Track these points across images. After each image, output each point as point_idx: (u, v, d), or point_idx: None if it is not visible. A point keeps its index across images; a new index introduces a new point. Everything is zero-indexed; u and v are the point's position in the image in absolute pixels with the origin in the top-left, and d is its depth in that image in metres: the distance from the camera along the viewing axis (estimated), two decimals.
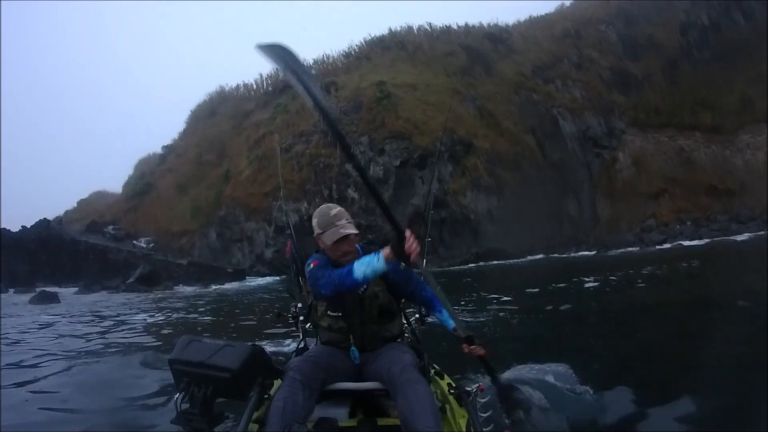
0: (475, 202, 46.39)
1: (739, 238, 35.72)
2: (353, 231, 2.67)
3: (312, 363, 2.47)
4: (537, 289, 14.87)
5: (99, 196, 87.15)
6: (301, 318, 3.31)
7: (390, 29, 71.74)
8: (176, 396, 2.05)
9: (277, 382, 2.54)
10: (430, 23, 72.30)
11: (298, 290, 3.49)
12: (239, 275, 40.88)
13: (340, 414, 2.52)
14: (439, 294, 2.49)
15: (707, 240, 37.72)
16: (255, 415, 2.28)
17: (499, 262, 40.39)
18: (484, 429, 2.35)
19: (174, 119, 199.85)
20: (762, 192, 45.36)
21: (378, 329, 2.79)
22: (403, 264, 2.55)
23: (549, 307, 10.81)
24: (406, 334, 3.21)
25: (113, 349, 6.58)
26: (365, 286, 2.69)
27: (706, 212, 48.13)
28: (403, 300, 3.03)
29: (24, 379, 4.92)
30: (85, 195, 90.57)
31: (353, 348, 2.73)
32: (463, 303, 12.08)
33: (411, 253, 2.21)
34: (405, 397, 2.23)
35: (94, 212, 70.39)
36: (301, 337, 3.25)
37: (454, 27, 71.97)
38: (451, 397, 2.71)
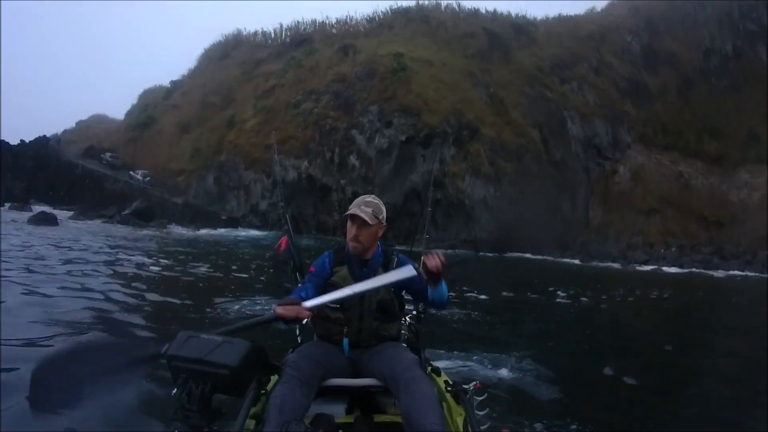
0: (473, 187, 46.70)
1: (716, 274, 36.30)
2: (360, 214, 2.66)
3: (309, 359, 2.48)
4: (512, 294, 15.24)
5: (98, 120, 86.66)
6: None
7: (418, 2, 71.15)
8: (174, 392, 2.02)
9: (274, 378, 2.51)
10: (459, 3, 71.62)
11: (295, 285, 3.41)
12: (232, 223, 41.17)
13: (337, 411, 2.54)
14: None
15: (687, 270, 38.17)
16: (252, 411, 2.29)
17: (485, 254, 40.77)
18: (481, 427, 2.34)
19: (186, 54, 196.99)
20: (751, 231, 46.26)
21: (376, 326, 2.77)
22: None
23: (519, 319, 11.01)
24: (402, 331, 3.19)
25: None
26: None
27: (692, 240, 48.71)
28: (403, 308, 3.04)
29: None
30: (84, 116, 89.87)
31: (345, 340, 2.73)
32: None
33: (295, 315, 2.33)
34: (409, 395, 2.23)
35: (93, 136, 70.19)
36: (297, 332, 3.28)
37: (482, 11, 71.34)
38: (448, 395, 2.69)
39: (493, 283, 17.82)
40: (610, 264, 40.92)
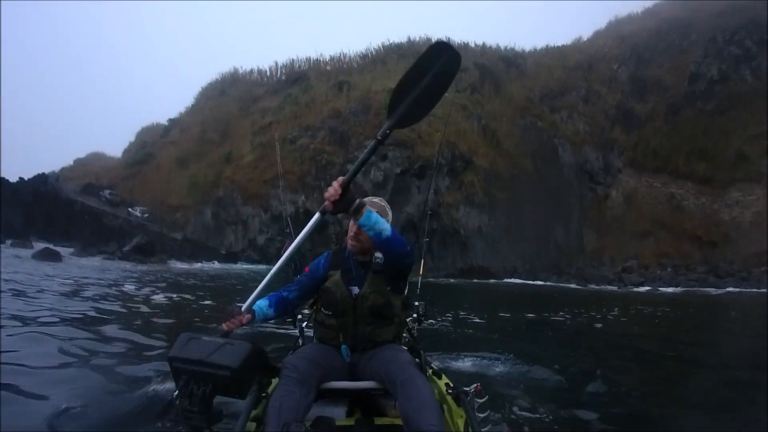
0: (467, 217, 47.44)
1: (714, 291, 36.65)
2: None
3: (308, 361, 2.48)
4: (509, 315, 15.67)
5: (96, 158, 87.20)
6: (299, 317, 3.41)
7: (409, 38, 73.36)
8: (175, 394, 2.06)
9: (275, 381, 2.52)
10: (449, 38, 73.23)
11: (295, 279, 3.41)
12: (231, 258, 41.63)
13: (338, 413, 2.53)
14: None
15: (683, 289, 38.67)
16: (253, 413, 2.30)
17: (481, 281, 41.13)
18: (482, 429, 2.35)
19: (180, 94, 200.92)
20: (744, 248, 46.90)
21: (370, 331, 2.74)
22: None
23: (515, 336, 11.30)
24: (404, 334, 3.18)
25: (116, 343, 6.39)
26: (357, 289, 2.70)
27: (687, 260, 49.22)
28: (406, 309, 3.02)
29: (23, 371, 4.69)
30: (82, 154, 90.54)
31: (343, 346, 2.72)
32: (441, 318, 12.51)
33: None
34: (407, 395, 2.23)
35: (91, 173, 70.55)
36: (297, 335, 3.33)
37: (472, 45, 73.23)
38: (448, 397, 2.71)
39: (490, 306, 18.51)
40: (606, 286, 41.50)
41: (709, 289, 38.48)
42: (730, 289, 38.27)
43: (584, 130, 62.24)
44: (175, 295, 14.66)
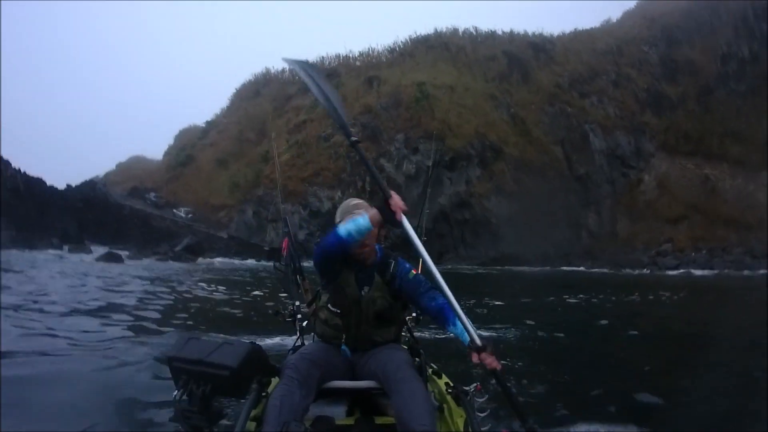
0: (498, 206, 48.37)
1: (750, 273, 36.69)
2: None
3: (308, 360, 2.47)
4: (529, 299, 16.80)
5: (137, 161, 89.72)
6: (299, 316, 3.40)
7: (436, 29, 73.49)
8: (175, 394, 2.08)
9: (274, 380, 2.52)
10: (476, 27, 73.70)
11: (295, 289, 3.59)
12: (274, 254, 43.28)
13: (338, 412, 2.54)
14: (447, 295, 2.27)
15: (717, 271, 38.71)
16: (253, 413, 2.30)
17: (516, 268, 41.75)
18: (482, 428, 2.35)
19: (215, 96, 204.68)
20: None
21: (372, 332, 2.77)
22: (389, 226, 2.50)
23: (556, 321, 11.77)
24: (403, 333, 3.18)
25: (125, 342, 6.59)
26: (366, 289, 2.71)
27: (722, 242, 48.79)
28: (406, 309, 3.02)
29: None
30: (123, 159, 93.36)
31: (343, 346, 2.74)
32: (479, 309, 13.08)
33: (397, 210, 2.23)
34: (400, 396, 2.25)
35: (135, 177, 72.81)
36: (297, 335, 3.32)
37: (499, 32, 73.39)
38: (448, 397, 2.72)
39: (511, 293, 19.23)
40: (641, 271, 41.81)
41: (744, 271, 38.23)
42: (763, 271, 37.43)
43: (615, 115, 62.09)
44: (224, 288, 16.26)
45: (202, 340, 2.19)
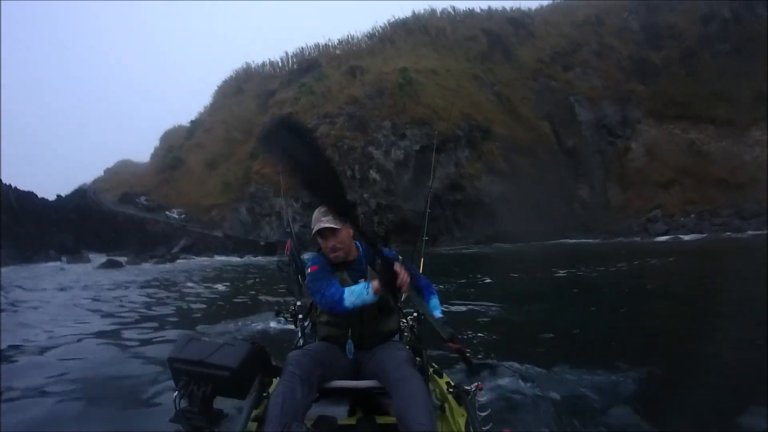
0: (490, 185, 48.56)
1: (738, 235, 37.26)
2: (328, 225, 2.68)
3: (310, 358, 2.47)
4: (540, 274, 17.20)
5: (125, 166, 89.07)
6: (300, 316, 3.38)
7: (414, 12, 73.44)
8: (175, 394, 2.09)
9: (276, 380, 2.52)
10: (453, 7, 74.15)
11: (297, 288, 3.59)
12: (271, 249, 43.48)
13: (340, 412, 2.53)
14: (425, 310, 2.63)
15: (706, 234, 39.16)
16: (254, 413, 2.31)
17: (511, 245, 42.03)
18: (483, 428, 2.36)
19: (196, 93, 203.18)
20: None
21: (377, 324, 2.80)
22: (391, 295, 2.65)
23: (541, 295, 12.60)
24: (405, 333, 3.22)
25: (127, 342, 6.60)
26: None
27: (713, 204, 49.19)
28: (401, 297, 3.00)
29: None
30: (110, 164, 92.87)
31: (349, 341, 2.75)
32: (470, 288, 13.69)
33: (402, 285, 2.31)
34: (399, 394, 2.26)
35: (124, 182, 72.35)
36: (299, 335, 3.29)
37: (477, 10, 73.29)
38: (449, 396, 2.73)
39: (499, 270, 19.69)
40: (632, 239, 42.35)
41: (730, 233, 38.83)
42: (751, 232, 38.38)
43: (600, 85, 62.17)
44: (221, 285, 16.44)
45: (203, 341, 2.19)
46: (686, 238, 38.80)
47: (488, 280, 15.24)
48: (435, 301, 2.90)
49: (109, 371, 4.97)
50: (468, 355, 2.51)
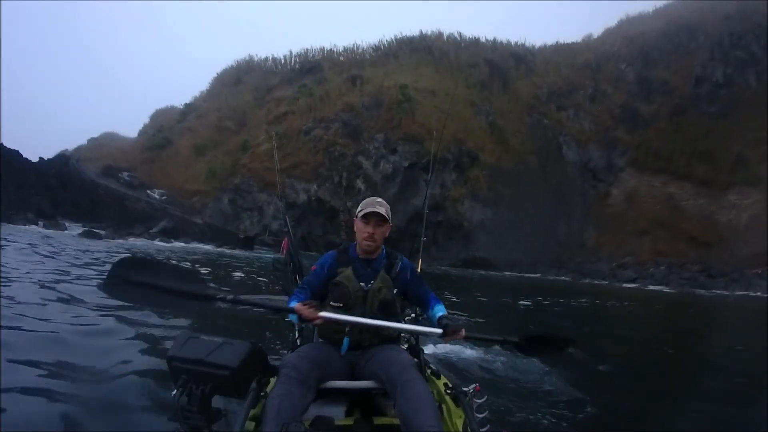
0: (471, 211, 49.45)
1: (700, 292, 38.39)
2: (379, 209, 2.74)
3: (307, 360, 2.48)
4: (508, 299, 18.09)
5: (110, 138, 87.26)
6: None
7: (421, 32, 74.67)
8: (174, 393, 2.08)
9: (274, 380, 2.49)
10: (460, 33, 74.85)
11: (294, 287, 3.46)
12: (248, 243, 43.50)
13: (337, 413, 2.54)
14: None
15: (671, 290, 39.68)
16: (252, 412, 2.31)
17: (482, 272, 42.91)
18: (480, 429, 2.37)
19: (192, 76, 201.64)
20: (738, 250, 48.48)
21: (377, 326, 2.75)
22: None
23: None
24: (403, 335, 3.20)
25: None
26: (371, 282, 2.77)
27: (682, 259, 50.46)
28: (404, 308, 3.08)
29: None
30: (95, 134, 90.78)
31: (346, 339, 2.74)
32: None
33: (312, 319, 2.46)
34: (406, 397, 2.26)
35: (108, 155, 71.09)
36: (297, 334, 3.29)
37: (483, 40, 74.67)
38: (447, 397, 2.74)
39: (468, 292, 20.36)
40: (600, 281, 43.49)
41: (698, 290, 39.94)
42: (719, 291, 39.71)
43: (589, 129, 63.81)
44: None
45: (202, 340, 2.20)
46: (653, 288, 39.88)
47: (455, 299, 15.97)
48: (440, 306, 2.90)
49: (106, 368, 4.78)
50: (465, 335, 2.57)
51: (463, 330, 2.56)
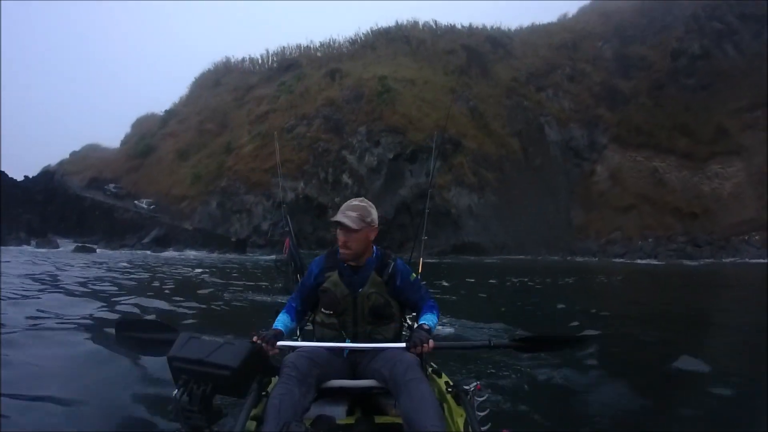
0: (458, 197, 49.67)
1: (689, 263, 39.15)
2: (344, 220, 2.66)
3: (307, 359, 2.47)
4: (494, 280, 18.36)
5: (93, 150, 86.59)
6: None
7: (397, 22, 74.50)
8: (175, 393, 2.08)
9: (275, 380, 2.52)
10: (435, 20, 74.90)
11: (296, 287, 3.37)
12: (240, 246, 43.46)
13: (338, 412, 2.53)
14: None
15: (659, 262, 40.54)
16: (253, 412, 2.31)
17: (474, 257, 43.39)
18: (481, 428, 2.37)
19: (171, 83, 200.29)
20: (723, 219, 49.34)
21: (371, 330, 2.78)
22: (414, 275, 2.77)
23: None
24: (404, 333, 3.14)
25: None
26: (362, 287, 2.74)
27: (669, 232, 51.55)
28: (404, 310, 3.04)
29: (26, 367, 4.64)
30: (77, 147, 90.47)
31: (347, 341, 2.73)
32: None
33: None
34: (410, 397, 2.25)
35: (92, 167, 71.24)
36: (297, 334, 3.24)
37: (458, 26, 74.78)
38: (448, 396, 2.74)
39: (458, 276, 20.76)
40: (590, 258, 44.40)
41: (685, 261, 40.92)
42: (706, 260, 40.87)
43: (570, 108, 64.27)
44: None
45: (203, 340, 2.20)
46: (641, 262, 40.47)
47: (446, 283, 16.19)
48: (429, 315, 2.83)
49: (107, 368, 4.78)
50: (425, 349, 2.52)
51: (431, 341, 2.53)
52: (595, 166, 60.85)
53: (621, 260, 42.23)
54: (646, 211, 54.77)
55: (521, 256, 45.58)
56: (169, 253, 36.08)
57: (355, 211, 2.68)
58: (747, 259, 41.27)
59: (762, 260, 38.90)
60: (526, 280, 19.34)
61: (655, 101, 63.34)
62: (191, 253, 38.15)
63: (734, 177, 53.95)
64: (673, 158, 58.75)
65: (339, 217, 2.67)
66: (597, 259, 43.55)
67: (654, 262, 40.41)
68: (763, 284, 18.25)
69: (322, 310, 2.79)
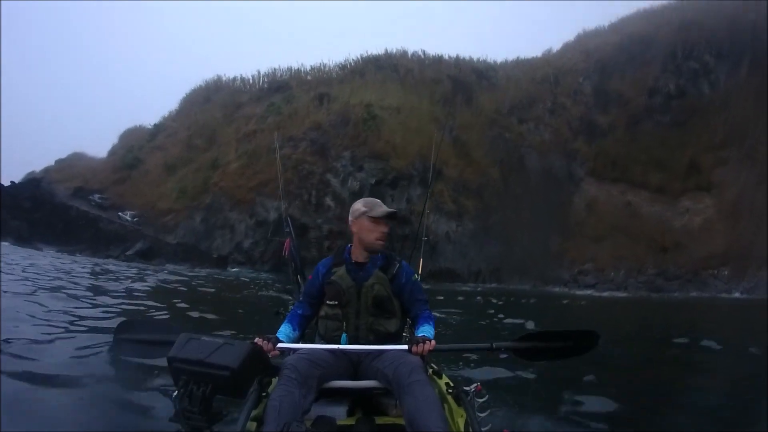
0: (437, 224, 50.81)
1: (660, 295, 41.20)
2: (395, 211, 2.82)
3: (308, 360, 2.49)
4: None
5: (79, 158, 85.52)
6: None
7: (386, 50, 76.11)
8: (175, 394, 2.10)
9: (275, 381, 2.51)
10: (424, 51, 76.51)
11: (296, 288, 3.44)
12: (221, 262, 44.12)
13: (339, 412, 2.54)
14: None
15: (627, 294, 42.74)
16: (253, 413, 2.32)
17: (451, 284, 44.55)
18: (482, 428, 2.38)
19: (161, 97, 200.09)
20: (693, 253, 51.05)
21: (372, 322, 2.81)
22: (416, 276, 2.88)
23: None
24: (405, 334, 3.20)
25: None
26: (362, 281, 2.80)
27: (640, 263, 52.95)
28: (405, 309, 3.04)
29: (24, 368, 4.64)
30: (62, 155, 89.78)
31: (344, 335, 2.77)
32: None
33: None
34: (413, 398, 2.28)
35: (78, 176, 70.19)
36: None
37: (446, 57, 76.58)
38: (449, 397, 2.74)
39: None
40: (561, 288, 46.53)
41: (653, 293, 43.03)
42: (677, 294, 42.98)
43: (549, 140, 65.73)
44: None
45: (203, 340, 2.21)
46: (606, 294, 42.46)
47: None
48: (426, 326, 2.90)
49: (106, 369, 4.87)
50: (426, 348, 2.62)
51: (433, 341, 2.64)
52: (573, 197, 62.31)
53: (585, 292, 43.89)
54: (619, 242, 55.86)
55: (495, 285, 46.89)
56: (152, 268, 36.76)
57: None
58: (715, 294, 42.76)
59: (727, 295, 40.48)
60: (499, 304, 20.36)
61: (631, 137, 64.65)
62: (172, 267, 38.79)
63: (704, 213, 55.61)
64: (646, 192, 60.18)
65: (387, 210, 3.01)
66: (567, 289, 44.75)
67: (619, 294, 41.76)
68: (736, 321, 18.71)
69: (327, 301, 2.93)
